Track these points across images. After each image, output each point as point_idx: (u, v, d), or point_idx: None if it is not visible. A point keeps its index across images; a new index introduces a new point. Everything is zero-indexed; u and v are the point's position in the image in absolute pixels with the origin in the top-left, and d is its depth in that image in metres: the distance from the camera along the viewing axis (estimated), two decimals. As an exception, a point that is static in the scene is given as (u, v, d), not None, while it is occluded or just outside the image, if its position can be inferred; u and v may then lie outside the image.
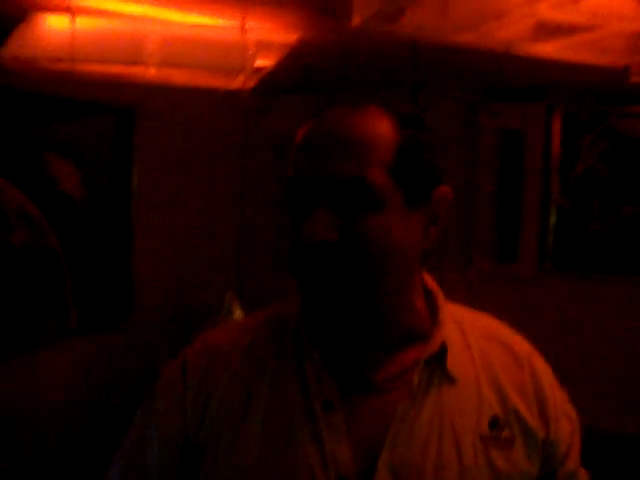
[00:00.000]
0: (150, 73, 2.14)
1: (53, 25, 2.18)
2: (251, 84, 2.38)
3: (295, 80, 2.91)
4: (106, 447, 1.19)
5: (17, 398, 2.84)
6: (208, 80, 2.39)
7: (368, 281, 0.88)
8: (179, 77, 2.31)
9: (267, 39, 2.15)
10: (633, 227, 3.57)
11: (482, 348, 0.98)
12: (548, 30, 1.38)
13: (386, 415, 0.89)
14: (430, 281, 1.00)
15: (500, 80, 3.57)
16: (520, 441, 0.93)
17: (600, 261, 3.67)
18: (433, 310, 0.97)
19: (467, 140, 3.87)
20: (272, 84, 2.62)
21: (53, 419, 3.03)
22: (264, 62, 2.21)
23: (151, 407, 0.98)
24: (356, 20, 1.31)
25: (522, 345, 1.02)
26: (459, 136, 3.84)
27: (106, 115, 3.46)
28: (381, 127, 0.87)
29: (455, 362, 0.93)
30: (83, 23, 2.12)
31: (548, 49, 1.49)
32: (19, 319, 2.99)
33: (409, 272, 0.93)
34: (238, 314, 3.56)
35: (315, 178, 0.86)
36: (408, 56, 2.16)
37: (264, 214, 4.07)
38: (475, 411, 0.92)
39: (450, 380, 0.93)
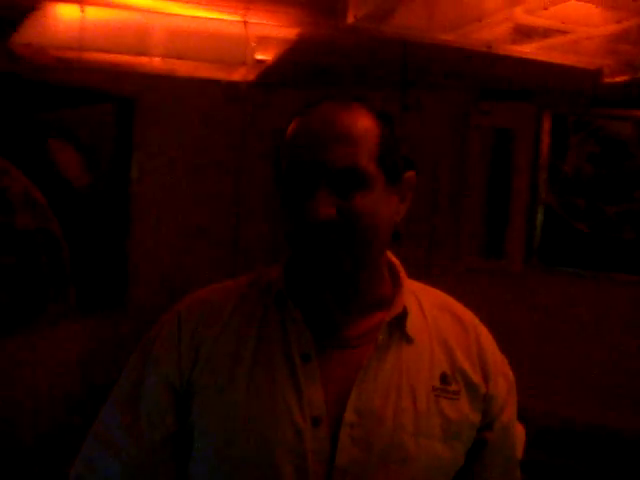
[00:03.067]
0: (154, 64, 2.24)
1: (63, 14, 2.28)
2: (251, 77, 2.49)
3: (291, 75, 3.01)
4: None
5: (18, 373, 2.95)
6: (210, 72, 2.49)
7: (360, 250, 1.02)
8: (182, 68, 2.41)
9: (267, 34, 2.26)
10: (616, 227, 3.68)
11: (434, 316, 1.12)
12: (524, 33, 1.50)
13: (354, 366, 1.03)
14: (392, 256, 1.15)
15: (491, 81, 3.67)
16: (465, 394, 1.08)
17: (584, 258, 3.78)
18: (395, 281, 1.12)
19: (458, 138, 3.97)
20: (270, 78, 2.72)
21: (52, 396, 3.13)
22: (264, 56, 2.32)
23: (148, 355, 1.08)
24: (350, 18, 1.42)
25: (469, 315, 1.17)
26: (450, 134, 3.94)
27: (108, 104, 3.57)
28: (368, 122, 1.02)
29: (412, 325, 1.08)
30: (92, 13, 2.23)
31: (525, 50, 1.60)
32: (21, 298, 3.10)
33: (386, 242, 1.08)
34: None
35: (315, 163, 0.99)
36: (399, 55, 2.27)
37: (260, 206, 4.17)
38: (428, 367, 1.07)
39: (408, 340, 1.07)
